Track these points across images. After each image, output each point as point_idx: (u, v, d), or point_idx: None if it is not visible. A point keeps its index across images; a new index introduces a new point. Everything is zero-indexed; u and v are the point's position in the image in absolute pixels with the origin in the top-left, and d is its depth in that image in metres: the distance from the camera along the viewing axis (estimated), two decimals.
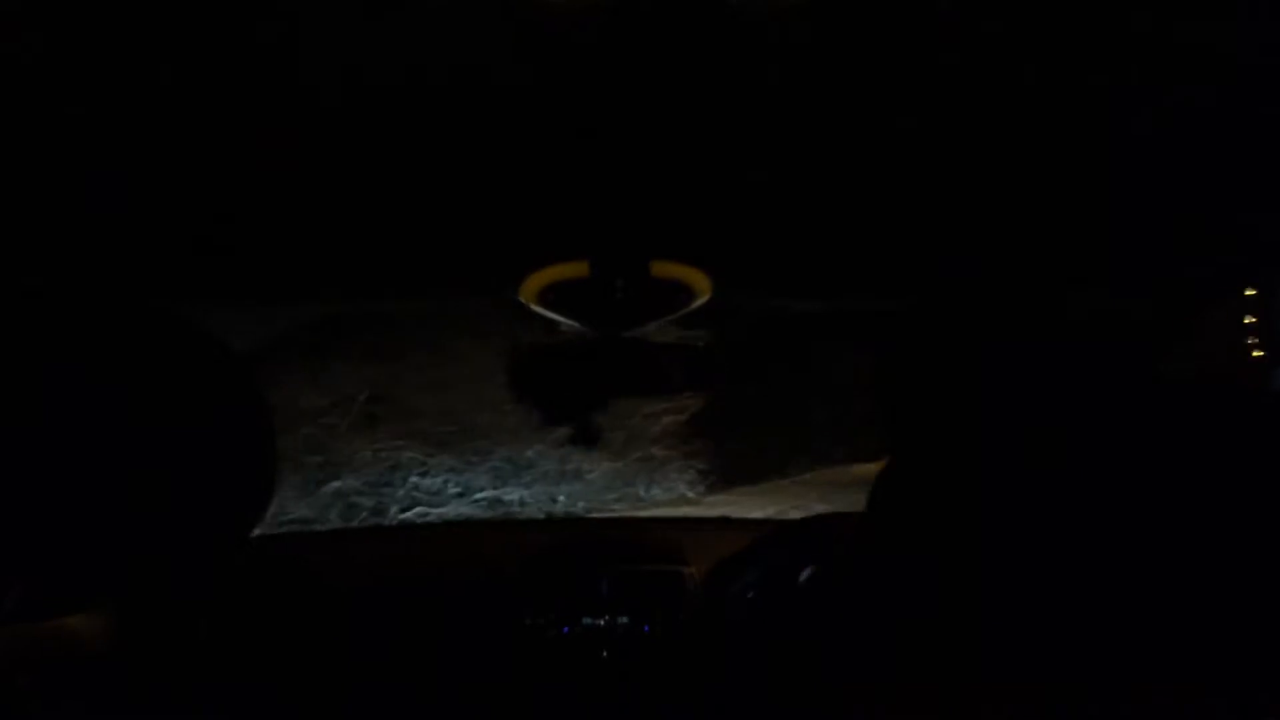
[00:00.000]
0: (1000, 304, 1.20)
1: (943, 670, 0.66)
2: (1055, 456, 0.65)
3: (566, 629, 1.38)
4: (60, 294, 0.92)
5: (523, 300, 1.19)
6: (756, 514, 1.94)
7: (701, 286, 1.19)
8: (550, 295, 1.17)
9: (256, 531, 1.05)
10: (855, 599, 0.82)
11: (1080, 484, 0.63)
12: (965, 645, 0.65)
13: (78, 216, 0.96)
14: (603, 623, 1.39)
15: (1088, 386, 0.69)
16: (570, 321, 1.22)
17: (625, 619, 1.40)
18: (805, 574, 1.44)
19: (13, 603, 0.72)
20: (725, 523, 1.98)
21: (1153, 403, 0.68)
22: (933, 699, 0.67)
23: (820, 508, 1.54)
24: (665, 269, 1.14)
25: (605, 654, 1.38)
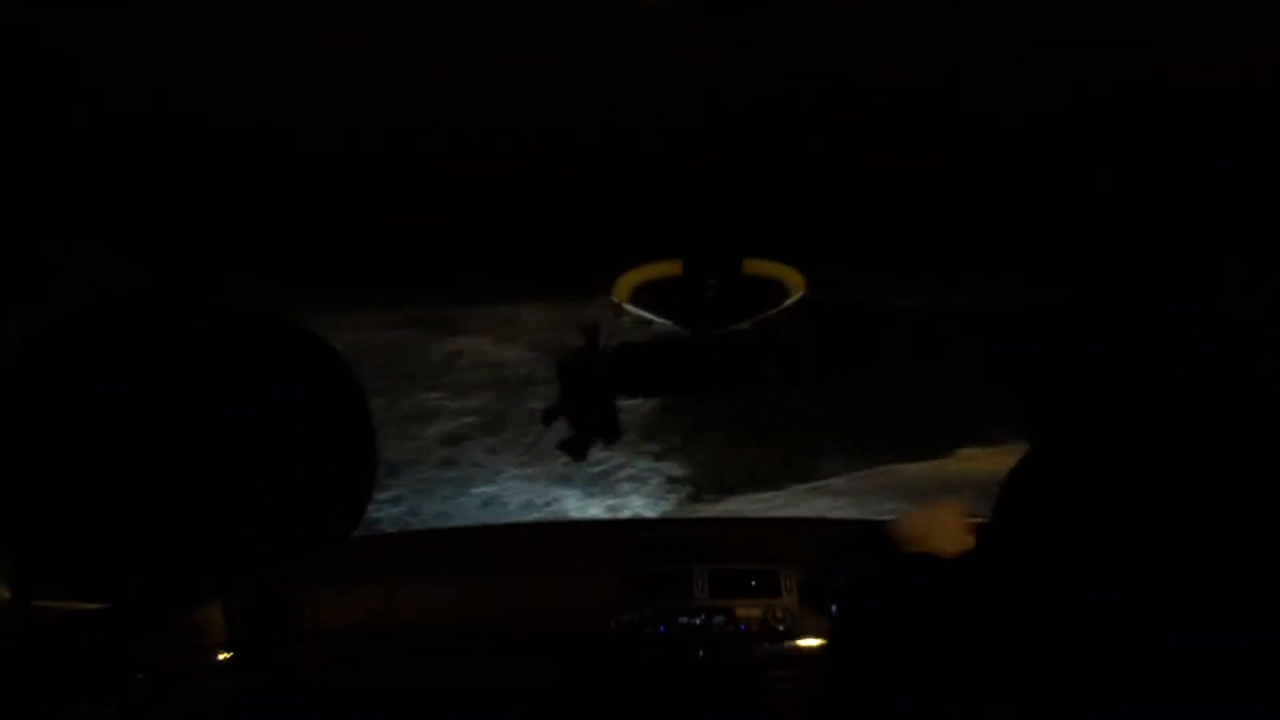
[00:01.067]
0: (1123, 301, 1.16)
1: (1055, 668, 0.64)
2: (1185, 457, 0.62)
3: (663, 628, 1.39)
4: (161, 299, 0.96)
5: (617, 300, 1.20)
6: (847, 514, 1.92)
7: (795, 283, 1.18)
8: (644, 294, 1.17)
9: (359, 531, 1.08)
10: (958, 598, 0.81)
11: (1210, 485, 0.60)
12: (1081, 646, 0.63)
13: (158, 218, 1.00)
14: (699, 621, 1.39)
15: (1220, 390, 0.67)
16: (664, 320, 1.23)
17: (721, 618, 1.40)
18: (901, 573, 1.41)
19: (132, 592, 0.76)
20: (819, 523, 1.96)
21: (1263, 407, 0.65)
22: (1044, 698, 0.65)
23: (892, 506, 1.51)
24: (758, 266, 1.14)
25: (701, 653, 1.38)
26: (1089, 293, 1.27)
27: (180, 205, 0.95)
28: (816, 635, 1.42)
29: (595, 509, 9.36)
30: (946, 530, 1.11)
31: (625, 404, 1.36)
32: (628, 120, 0.81)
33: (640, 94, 0.75)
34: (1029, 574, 0.68)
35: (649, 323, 1.25)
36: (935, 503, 1.26)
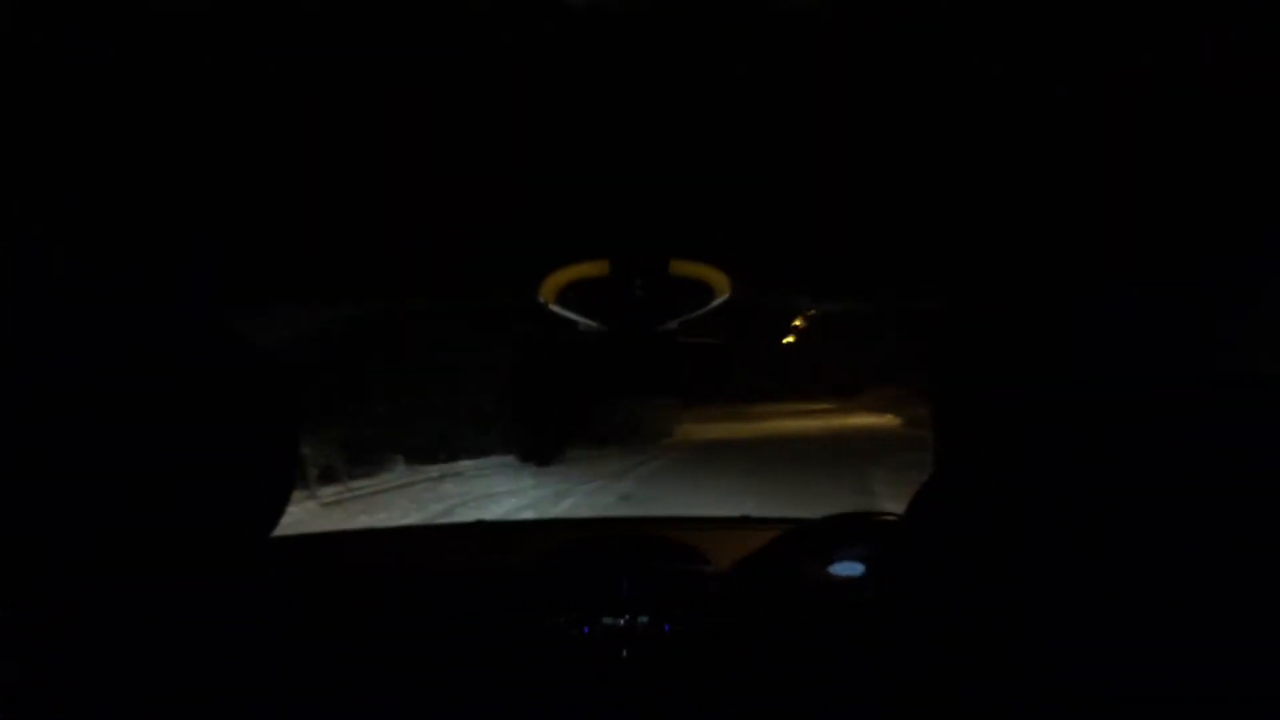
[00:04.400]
0: (1041, 302, 1.18)
1: (968, 673, 0.66)
2: (1102, 459, 0.64)
3: (587, 629, 1.38)
4: (99, 297, 0.93)
5: (542, 300, 1.19)
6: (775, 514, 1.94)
7: (721, 285, 1.18)
8: (569, 295, 1.17)
9: (278, 532, 1.05)
10: (884, 599, 0.82)
11: (1128, 486, 0.62)
12: (992, 649, 0.65)
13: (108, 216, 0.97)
14: (623, 622, 1.39)
15: (1137, 385, 0.69)
16: (589, 321, 1.22)
17: (645, 619, 1.40)
18: (826, 573, 1.43)
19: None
20: (745, 522, 1.98)
21: (1206, 399, 0.67)
22: (957, 701, 0.67)
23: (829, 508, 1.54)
24: (684, 268, 1.14)
25: (625, 654, 1.37)
26: (999, 299, 1.30)
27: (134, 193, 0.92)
28: (740, 637, 1.43)
29: (526, 511, 9.33)
30: None
31: (562, 404, 1.35)
32: (555, 119, 0.81)
33: (567, 93, 0.75)
34: (940, 580, 0.69)
35: (574, 324, 1.24)
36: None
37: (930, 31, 0.66)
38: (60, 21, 0.59)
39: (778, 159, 0.92)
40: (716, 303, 1.22)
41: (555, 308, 1.20)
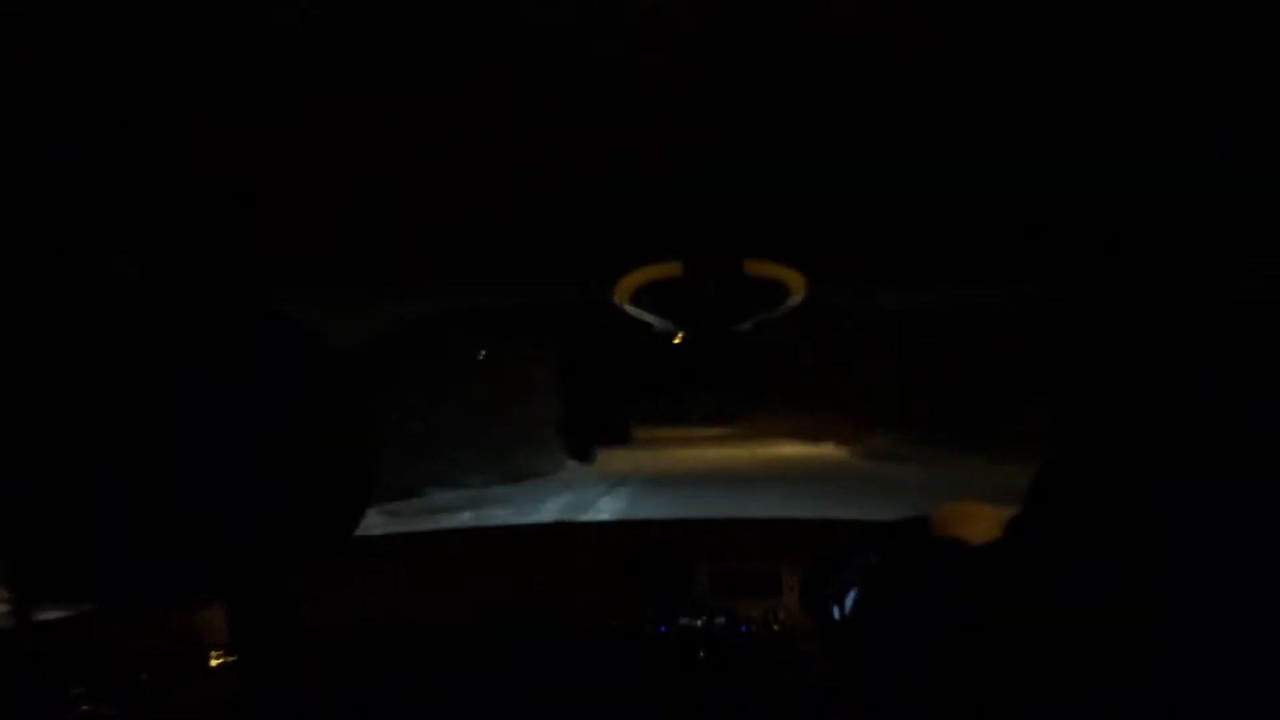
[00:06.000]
0: (1151, 297, 1.15)
1: (1058, 673, 0.64)
2: (1221, 458, 0.62)
3: (664, 628, 1.39)
4: (157, 292, 0.96)
5: (617, 301, 1.20)
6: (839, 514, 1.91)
7: (796, 285, 1.18)
8: (644, 296, 1.17)
9: (361, 531, 1.08)
10: (966, 599, 0.80)
11: (1253, 487, 0.60)
12: (1087, 651, 0.63)
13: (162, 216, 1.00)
14: (700, 623, 1.39)
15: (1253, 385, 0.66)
16: (664, 322, 1.23)
17: (722, 619, 1.40)
18: (904, 573, 1.41)
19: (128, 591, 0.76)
20: (822, 524, 1.96)
21: None
22: (1044, 701, 0.65)
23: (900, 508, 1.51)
24: (759, 268, 1.14)
25: (702, 654, 1.38)
26: (1106, 291, 1.26)
27: (185, 197, 0.96)
28: (819, 635, 1.42)
29: (599, 513, 9.36)
30: (975, 522, 1.09)
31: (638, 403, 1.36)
32: (629, 120, 0.81)
33: (642, 94, 0.76)
34: (1060, 568, 0.67)
35: (649, 325, 1.25)
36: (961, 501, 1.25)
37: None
38: (80, 22, 0.60)
39: (849, 155, 0.91)
40: (792, 302, 1.21)
41: (630, 309, 1.21)
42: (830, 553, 1.37)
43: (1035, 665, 0.68)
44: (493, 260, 1.25)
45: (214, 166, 0.88)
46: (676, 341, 1.25)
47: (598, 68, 0.70)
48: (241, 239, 1.11)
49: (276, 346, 0.83)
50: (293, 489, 0.79)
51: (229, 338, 0.80)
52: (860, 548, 1.35)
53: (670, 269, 1.13)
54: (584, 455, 1.37)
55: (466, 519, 9.00)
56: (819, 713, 1.31)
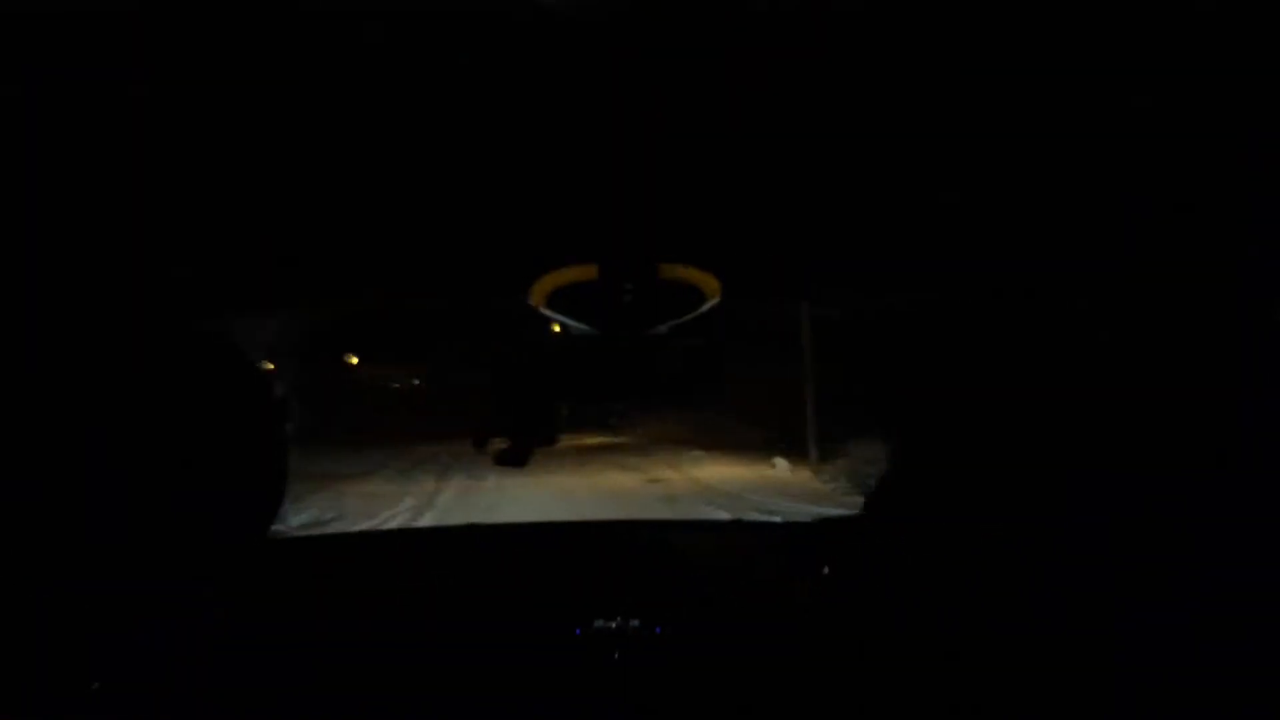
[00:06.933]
0: (1008, 303, 1.19)
1: (949, 669, 0.66)
2: (1060, 456, 0.65)
3: (579, 630, 1.39)
4: (83, 306, 0.93)
5: (531, 303, 1.19)
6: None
7: (711, 289, 1.19)
8: (558, 298, 1.17)
9: (273, 533, 1.05)
10: (865, 600, 0.83)
11: (1083, 482, 0.63)
12: (970, 643, 0.65)
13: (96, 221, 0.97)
14: (615, 625, 1.39)
15: (1092, 386, 0.69)
16: (578, 325, 1.23)
17: (637, 621, 1.40)
18: (813, 576, 1.44)
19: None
20: (737, 525, 1.98)
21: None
22: (939, 699, 0.67)
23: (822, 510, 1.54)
24: (674, 271, 1.14)
25: (617, 656, 1.38)
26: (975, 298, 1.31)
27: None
28: (734, 638, 1.43)
29: (527, 514, 9.25)
30: None
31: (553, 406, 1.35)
32: (544, 124, 0.81)
33: (557, 99, 0.76)
34: (911, 579, 0.70)
35: (565, 327, 1.24)
36: None
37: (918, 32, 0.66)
38: (63, 23, 0.59)
39: (768, 160, 0.92)
40: (707, 307, 1.22)
41: (545, 310, 1.20)
42: (744, 556, 1.39)
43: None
44: (406, 266, 1.23)
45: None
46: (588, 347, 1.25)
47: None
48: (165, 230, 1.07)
49: (187, 355, 0.82)
50: (204, 489, 0.77)
51: (140, 349, 0.79)
52: (771, 555, 1.37)
53: (586, 271, 1.13)
54: (515, 461, 1.36)
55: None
56: (733, 713, 1.32)
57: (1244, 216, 0.94)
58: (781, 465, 10.96)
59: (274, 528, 1.11)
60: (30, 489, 0.68)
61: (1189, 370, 0.81)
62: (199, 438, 0.79)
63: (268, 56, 0.66)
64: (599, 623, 1.40)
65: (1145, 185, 0.93)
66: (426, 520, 7.93)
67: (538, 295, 1.17)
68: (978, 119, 0.81)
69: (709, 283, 1.18)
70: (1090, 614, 0.65)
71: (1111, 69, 0.70)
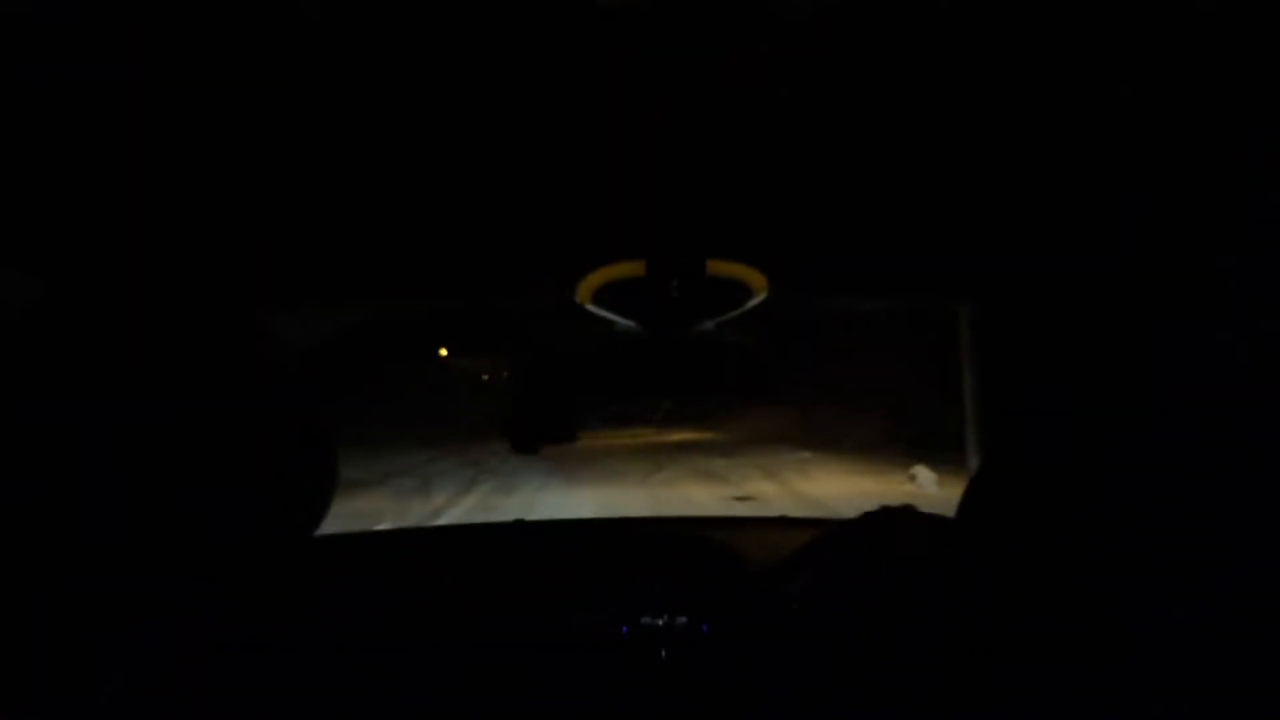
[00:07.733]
0: (1084, 299, 1.16)
1: (1015, 672, 0.65)
2: (1159, 459, 0.63)
3: (625, 629, 1.38)
4: (126, 304, 0.95)
5: (579, 300, 1.19)
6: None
7: (758, 285, 1.18)
8: (606, 295, 1.17)
9: (319, 531, 1.06)
10: (919, 598, 0.81)
11: (1192, 488, 0.61)
12: (1039, 647, 0.64)
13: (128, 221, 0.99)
14: (661, 622, 1.39)
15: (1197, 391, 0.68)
16: (626, 321, 1.23)
17: (684, 619, 1.40)
18: (866, 571, 1.42)
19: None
20: (784, 522, 1.97)
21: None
22: (1001, 697, 0.66)
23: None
24: (721, 267, 1.14)
25: (664, 654, 1.37)
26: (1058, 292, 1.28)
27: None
28: (779, 636, 1.42)
29: (559, 510, 9.31)
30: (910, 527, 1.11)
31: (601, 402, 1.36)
32: (593, 121, 0.81)
33: (606, 95, 0.75)
34: (1008, 569, 0.68)
35: (612, 324, 1.24)
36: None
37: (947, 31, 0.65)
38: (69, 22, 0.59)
39: (817, 158, 0.92)
40: (754, 302, 1.21)
41: (591, 307, 1.20)
42: (791, 552, 1.38)
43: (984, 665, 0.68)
44: (460, 262, 1.24)
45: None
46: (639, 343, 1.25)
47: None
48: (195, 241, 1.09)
49: (225, 350, 0.82)
50: (254, 488, 0.78)
51: (183, 346, 0.79)
52: (818, 550, 1.36)
53: (633, 268, 1.12)
54: (530, 450, 1.37)
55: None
56: (780, 712, 1.31)
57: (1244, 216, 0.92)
58: (925, 477, 9.01)
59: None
60: (31, 489, 0.68)
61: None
62: (227, 440, 0.79)
63: (304, 60, 0.66)
64: (645, 620, 1.40)
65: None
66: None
67: (584, 292, 1.17)
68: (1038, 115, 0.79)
69: (756, 278, 1.17)
70: (1105, 612, 0.63)
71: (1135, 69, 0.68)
